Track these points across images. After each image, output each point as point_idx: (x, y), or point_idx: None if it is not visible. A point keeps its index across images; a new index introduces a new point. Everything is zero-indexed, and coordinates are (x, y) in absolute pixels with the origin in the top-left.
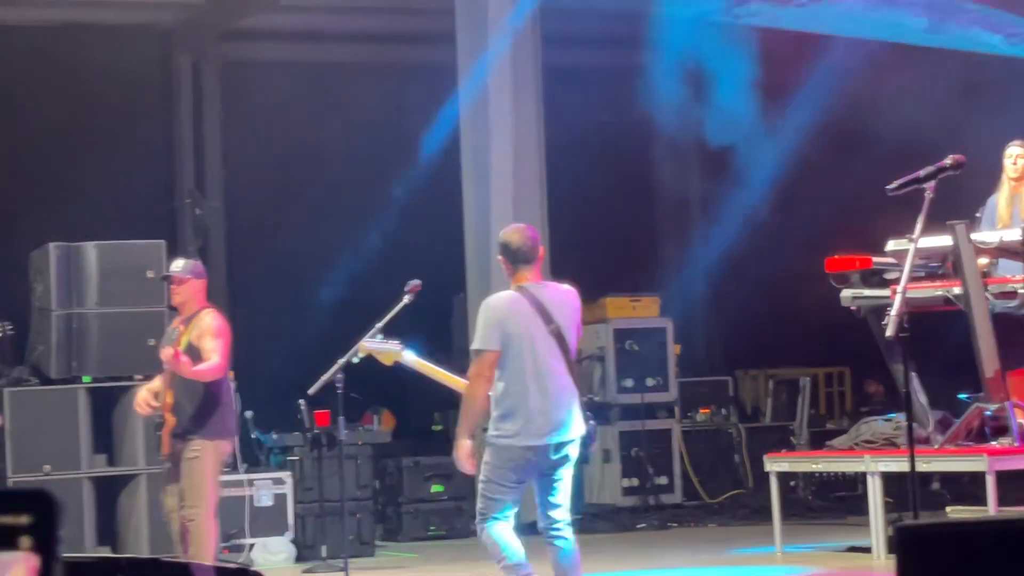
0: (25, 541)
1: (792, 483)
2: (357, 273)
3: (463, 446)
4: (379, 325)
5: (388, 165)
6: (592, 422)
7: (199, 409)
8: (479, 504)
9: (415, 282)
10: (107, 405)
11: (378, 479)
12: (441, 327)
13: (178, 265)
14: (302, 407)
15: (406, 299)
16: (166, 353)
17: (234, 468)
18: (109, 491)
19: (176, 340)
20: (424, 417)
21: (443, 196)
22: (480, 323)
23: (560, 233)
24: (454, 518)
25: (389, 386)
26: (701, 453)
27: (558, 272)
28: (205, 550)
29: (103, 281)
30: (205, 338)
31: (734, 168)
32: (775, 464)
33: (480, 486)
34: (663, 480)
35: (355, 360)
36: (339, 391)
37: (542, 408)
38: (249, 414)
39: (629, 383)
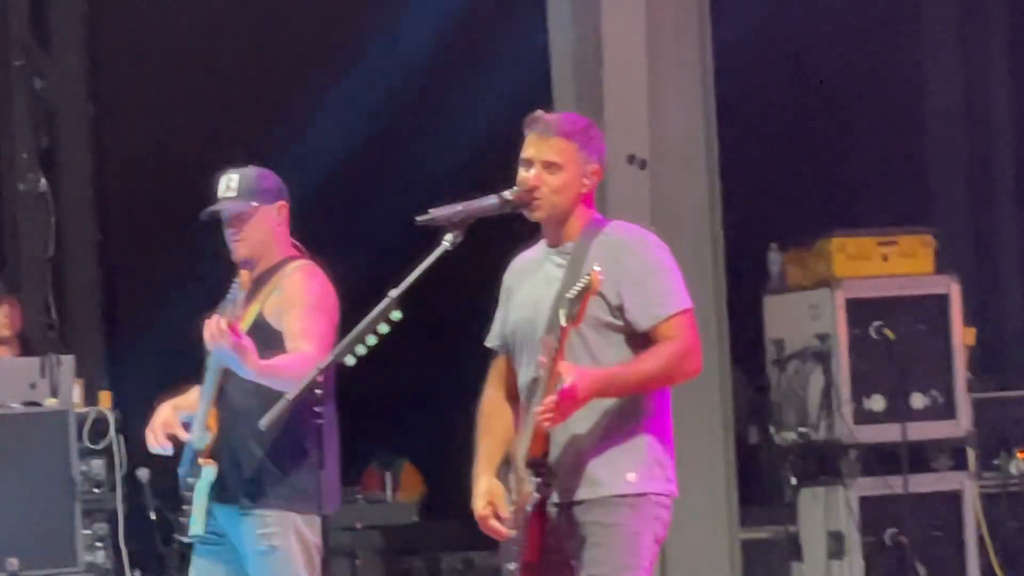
0: None
1: None
2: (326, 182)
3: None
4: (410, 279)
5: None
6: None
7: (274, 450)
8: None
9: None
10: None
11: None
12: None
13: (230, 185)
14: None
15: (447, 242)
16: (213, 326)
17: None
18: None
19: (238, 309)
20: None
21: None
22: (674, 272)
23: (732, 118)
24: None
25: (416, 415)
26: (1021, 538)
27: (733, 189)
28: None
29: None
30: (291, 310)
31: None
32: None
33: None
34: None
35: (355, 356)
36: (318, 419)
37: None
38: (143, 474)
39: (878, 404)
